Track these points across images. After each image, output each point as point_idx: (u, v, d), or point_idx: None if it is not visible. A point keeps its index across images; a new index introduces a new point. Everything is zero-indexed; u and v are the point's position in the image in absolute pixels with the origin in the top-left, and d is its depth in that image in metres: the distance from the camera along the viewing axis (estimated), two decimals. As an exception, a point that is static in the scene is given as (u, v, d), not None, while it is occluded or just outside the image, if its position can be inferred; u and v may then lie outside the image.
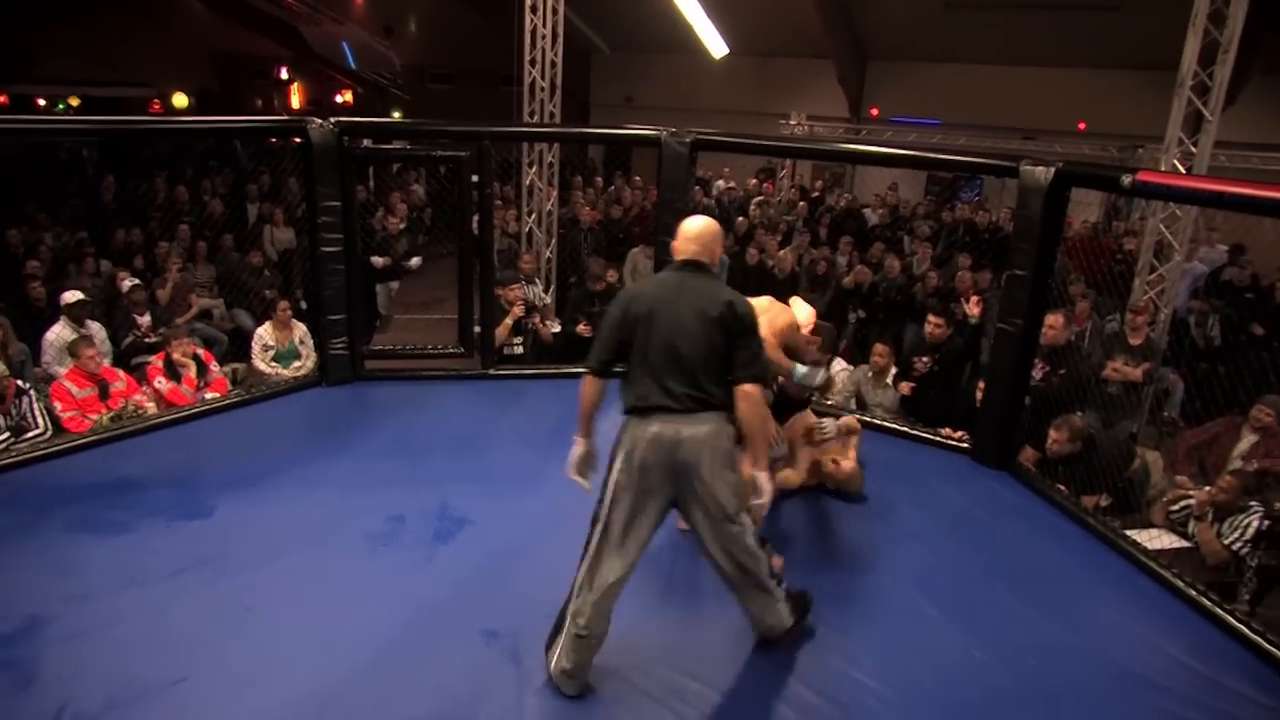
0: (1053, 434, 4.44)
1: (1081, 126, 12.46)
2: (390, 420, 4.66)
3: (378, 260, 7.63)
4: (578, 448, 2.81)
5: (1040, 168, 4.06)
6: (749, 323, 2.64)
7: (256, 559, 3.35)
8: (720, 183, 11.65)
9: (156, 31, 16.55)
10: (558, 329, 6.43)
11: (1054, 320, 5.10)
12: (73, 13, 15.27)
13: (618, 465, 2.65)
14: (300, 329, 6.05)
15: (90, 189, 9.99)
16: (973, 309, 5.71)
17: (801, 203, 11.03)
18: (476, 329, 5.31)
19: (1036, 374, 5.05)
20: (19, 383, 4.83)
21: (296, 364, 5.95)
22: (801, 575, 3.43)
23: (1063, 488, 4.29)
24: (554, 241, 8.20)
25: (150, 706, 2.58)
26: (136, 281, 6.65)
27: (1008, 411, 4.43)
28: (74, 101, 15.93)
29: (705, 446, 2.58)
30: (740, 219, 10.21)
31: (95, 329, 5.92)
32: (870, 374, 5.66)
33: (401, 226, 8.45)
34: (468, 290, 5.30)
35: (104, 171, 10.30)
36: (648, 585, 3.20)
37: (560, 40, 7.68)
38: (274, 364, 5.96)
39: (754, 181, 11.83)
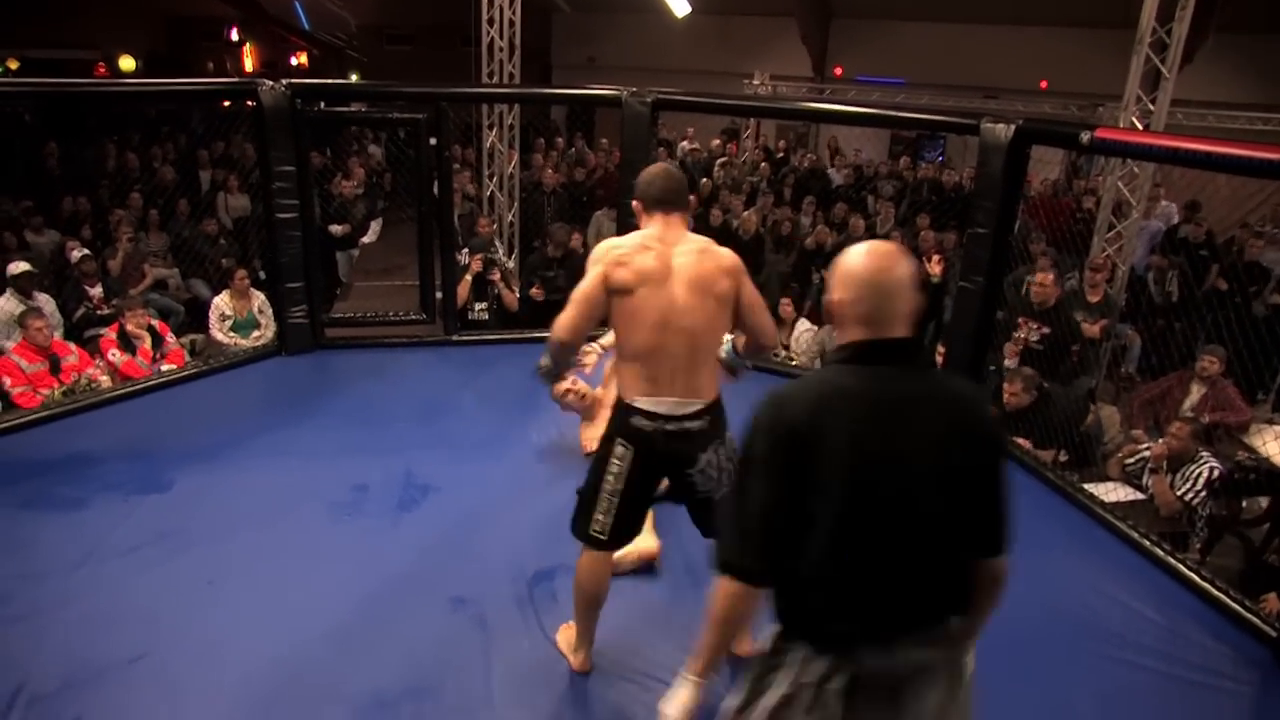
0: (1006, 387, 4.50)
1: (1043, 85, 12.50)
2: (352, 389, 4.59)
3: (336, 229, 7.50)
4: (689, 692, 1.72)
5: (1001, 125, 4.06)
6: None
7: (217, 532, 3.30)
8: (684, 144, 11.56)
9: (101, -9, 15.99)
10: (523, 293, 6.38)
11: (1044, 279, 5.15)
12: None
13: None
14: (259, 298, 5.94)
15: (33, 155, 9.67)
16: (934, 267, 5.74)
17: (764, 163, 10.99)
18: (438, 295, 5.24)
19: (1033, 336, 5.11)
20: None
21: (256, 334, 5.85)
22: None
23: (1022, 442, 4.36)
24: (516, 205, 8.10)
25: (109, 685, 2.54)
26: (86, 252, 6.48)
27: (970, 368, 4.47)
28: (13, 64, 15.38)
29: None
30: (704, 180, 10.16)
31: (44, 300, 5.77)
32: (834, 332, 5.69)
33: (359, 191, 8.30)
34: (428, 255, 5.22)
35: (47, 138, 9.98)
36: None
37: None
38: (232, 334, 5.85)
39: (717, 143, 11.75)
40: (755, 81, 11.34)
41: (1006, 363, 5.20)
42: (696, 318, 2.27)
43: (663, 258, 2.28)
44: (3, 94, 5.50)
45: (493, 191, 7.99)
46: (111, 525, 3.34)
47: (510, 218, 8.04)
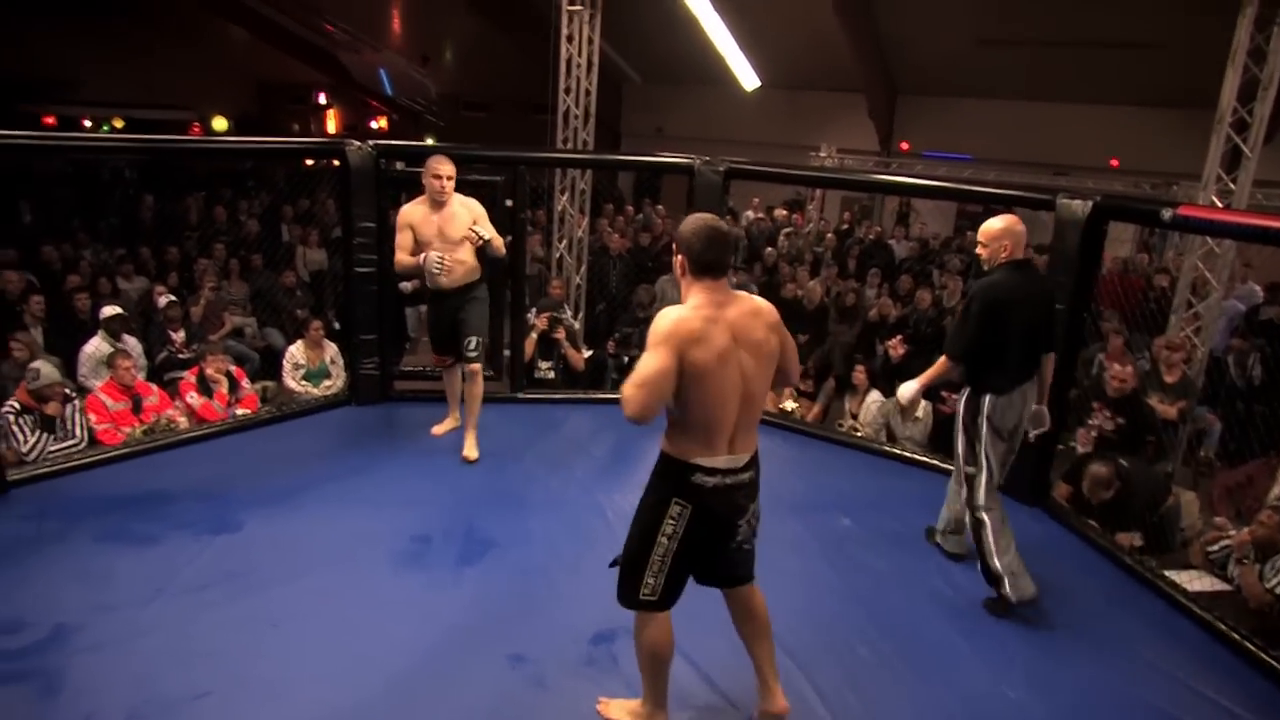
0: (1086, 486, 4.36)
1: (1114, 163, 12.39)
2: (418, 441, 4.67)
3: (406, 285, 7.70)
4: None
5: (1078, 201, 4.03)
6: None
7: (282, 575, 3.35)
8: (749, 213, 11.68)
9: (200, 57, 16.95)
10: (589, 353, 6.44)
11: (1122, 373, 5.04)
12: (119, 37, 15.70)
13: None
14: (331, 349, 6.10)
15: (130, 207, 10.19)
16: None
17: (830, 234, 11.03)
18: (505, 353, 5.32)
19: (1108, 425, 4.98)
20: (67, 390, 4.89)
21: (326, 383, 5.99)
22: (829, 604, 3.39)
23: (1095, 524, 4.21)
24: (583, 268, 8.23)
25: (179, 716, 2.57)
26: (172, 298, 6.74)
27: (1041, 447, 4.35)
28: (118, 123, 16.30)
29: None
30: (769, 249, 10.23)
31: (132, 343, 6.00)
32: (898, 407, 5.61)
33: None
34: (498, 315, 5.32)
35: (143, 191, 10.52)
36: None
37: (595, 69, 7.77)
38: (304, 382, 6.01)
39: (783, 213, 11.84)
40: (822, 154, 11.46)
41: (1078, 447, 5.07)
42: (758, 383, 2.35)
43: (727, 329, 2.28)
44: (110, 149, 5.80)
45: (562, 254, 8.14)
46: (183, 563, 3.41)
47: (578, 280, 8.17)
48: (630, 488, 4.23)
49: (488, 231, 4.24)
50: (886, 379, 7.06)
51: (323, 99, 19.02)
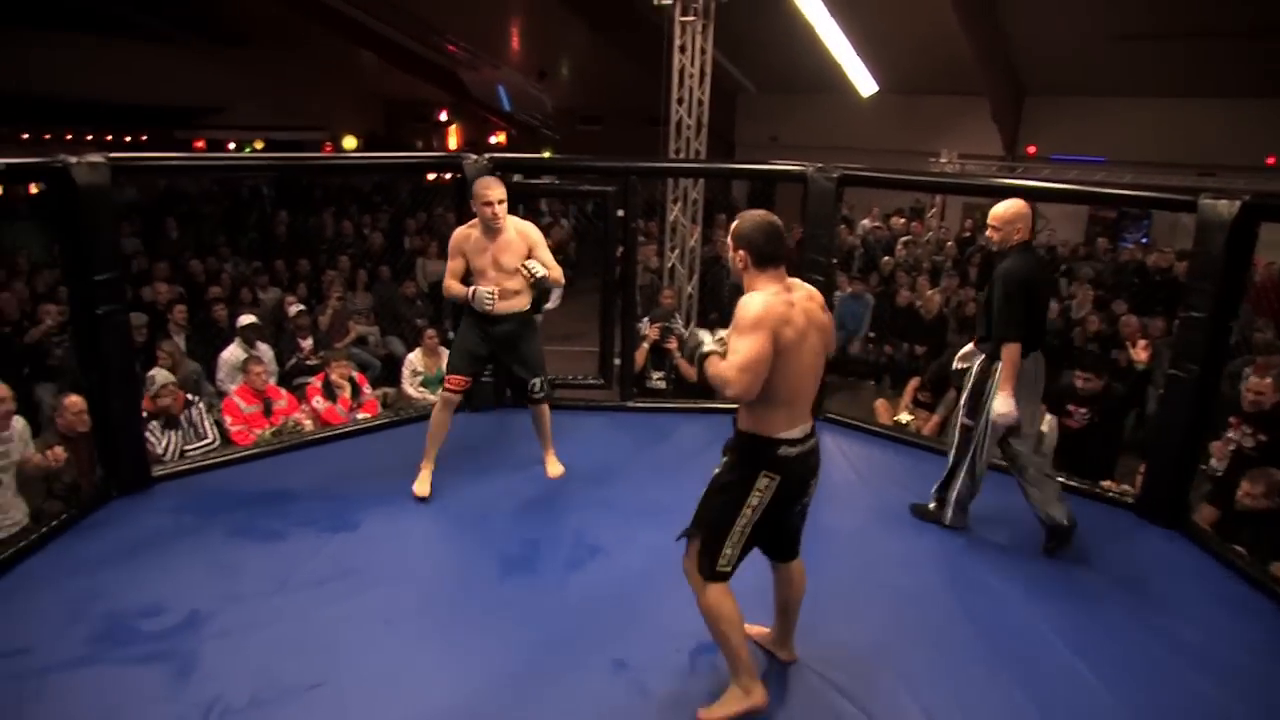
0: (1245, 486, 4.03)
1: (1270, 161, 11.48)
2: (530, 448, 4.72)
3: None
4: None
5: (1223, 201, 3.74)
6: None
7: (396, 574, 3.45)
8: (866, 221, 11.42)
9: (332, 80, 17.88)
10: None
11: (1260, 385, 4.68)
12: (260, 66, 16.74)
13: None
14: (448, 356, 6.28)
15: (266, 223, 10.81)
16: (1140, 354, 5.31)
17: (950, 243, 10.67)
18: (616, 362, 5.36)
19: (1247, 442, 4.64)
20: (187, 395, 5.22)
21: (443, 389, 6.17)
22: (942, 623, 3.25)
23: (1242, 550, 3.89)
24: (696, 278, 8.22)
25: (290, 707, 2.69)
26: (302, 307, 7.09)
27: (1180, 465, 4.07)
28: (259, 145, 17.35)
29: None
30: (886, 258, 9.97)
31: (264, 350, 6.34)
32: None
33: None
34: (609, 323, 5.36)
35: (279, 207, 11.15)
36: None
37: (708, 79, 7.78)
38: (422, 389, 6.21)
39: (902, 221, 11.53)
40: (942, 160, 11.11)
41: (1213, 463, 4.72)
42: (822, 358, 2.60)
43: (801, 311, 2.49)
44: (252, 167, 6.15)
45: (674, 264, 8.16)
46: (304, 558, 3.56)
47: (690, 289, 8.17)
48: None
49: (541, 268, 3.98)
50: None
51: (444, 116, 19.72)
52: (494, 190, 3.89)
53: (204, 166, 6.18)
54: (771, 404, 2.48)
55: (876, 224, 11.46)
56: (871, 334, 8.62)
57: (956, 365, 4.14)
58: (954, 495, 3.92)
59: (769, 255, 2.49)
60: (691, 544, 2.67)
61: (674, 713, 2.72)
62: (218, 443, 5.15)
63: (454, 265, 4.07)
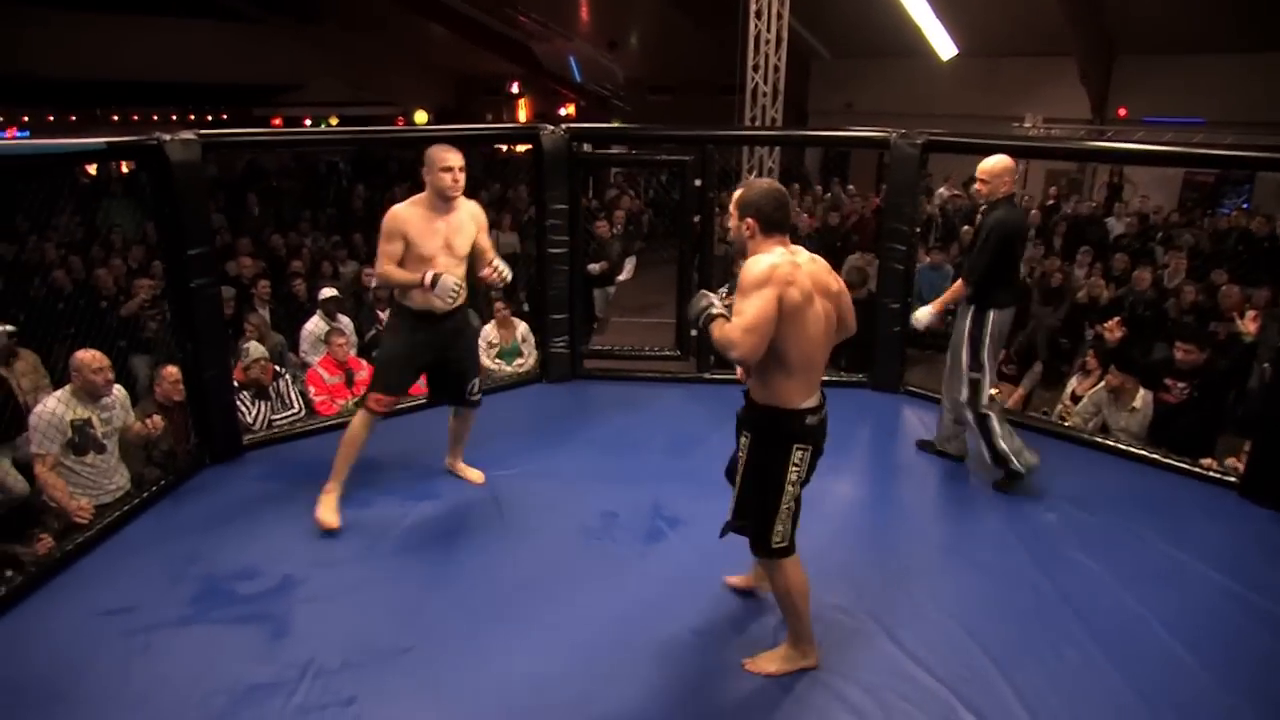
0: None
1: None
2: (607, 418, 4.75)
3: (594, 267, 7.87)
4: None
5: (1344, 162, 3.51)
6: None
7: (478, 543, 3.50)
8: (943, 190, 11.10)
9: (404, 56, 18.10)
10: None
11: None
12: (335, 44, 17.02)
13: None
14: (521, 327, 6.31)
15: (344, 198, 11.01)
16: (1248, 325, 5.04)
17: (1034, 210, 10.29)
18: (693, 333, 5.31)
19: None
20: (276, 367, 5.35)
21: (518, 361, 6.21)
22: (1031, 602, 3.15)
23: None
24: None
25: (380, 671, 2.75)
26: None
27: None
28: (333, 120, 17.68)
29: None
30: (965, 228, 9.68)
31: (345, 322, 6.46)
32: (1111, 396, 5.15)
33: (616, 231, 8.68)
34: (685, 294, 5.32)
35: (355, 182, 11.35)
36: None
37: (784, 44, 7.62)
38: (498, 360, 6.26)
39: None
40: (1026, 124, 10.71)
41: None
42: (833, 322, 2.55)
43: (807, 275, 2.45)
44: (337, 142, 6.24)
45: (746, 234, 8.05)
46: (390, 525, 3.63)
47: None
48: (818, 470, 4.17)
49: (506, 266, 3.64)
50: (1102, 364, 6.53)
51: (515, 89, 19.80)
52: (454, 156, 3.44)
53: (288, 141, 6.31)
54: (786, 373, 2.47)
55: (955, 192, 11.11)
56: (951, 306, 8.38)
57: (914, 327, 4.42)
58: (1006, 445, 3.97)
59: (776, 222, 2.49)
60: (744, 529, 2.63)
61: (753, 683, 2.71)
62: (303, 413, 5.27)
63: (392, 248, 3.43)
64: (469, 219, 3.58)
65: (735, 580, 3.18)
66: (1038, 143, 7.54)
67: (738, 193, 2.52)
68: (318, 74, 17.35)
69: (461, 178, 3.45)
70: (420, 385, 4.09)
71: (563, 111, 19.19)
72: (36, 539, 3.70)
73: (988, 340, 3.93)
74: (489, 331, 6.37)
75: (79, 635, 2.91)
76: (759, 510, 2.57)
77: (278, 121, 17.30)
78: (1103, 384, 5.23)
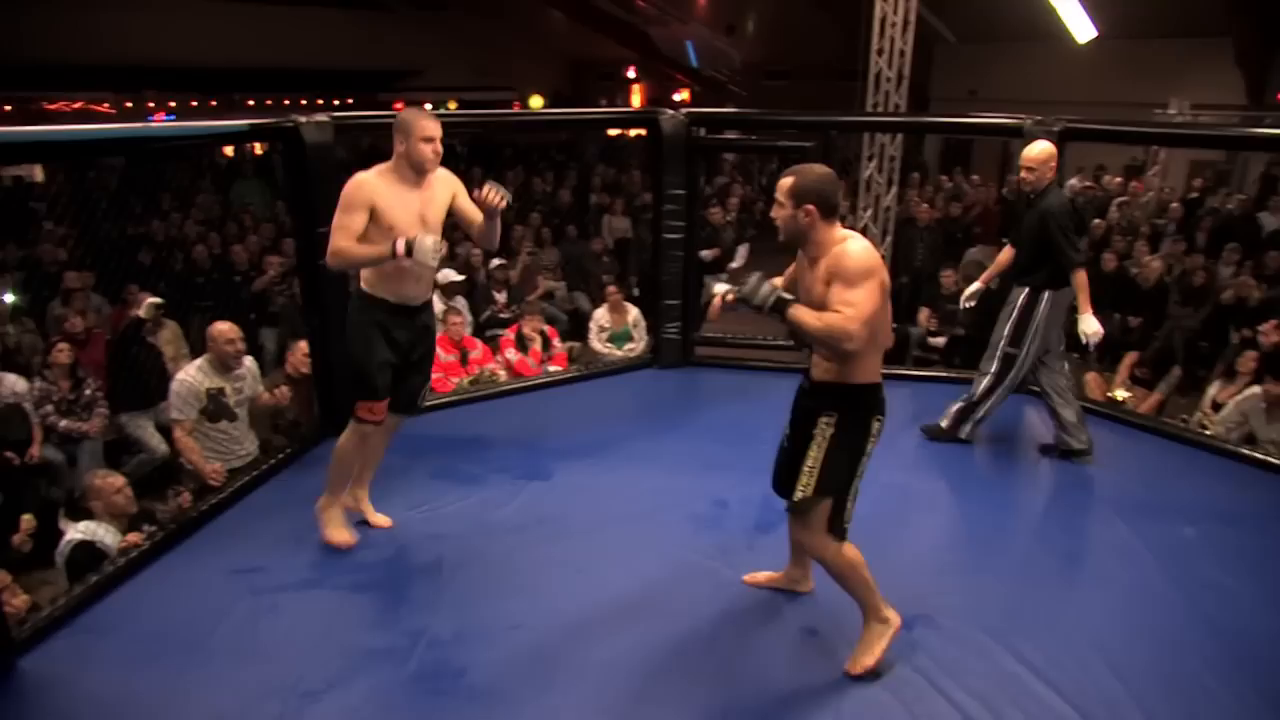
0: None
1: None
2: (718, 406, 4.70)
3: (706, 253, 7.81)
4: None
5: None
6: None
7: (589, 525, 3.52)
8: (1074, 181, 10.54)
9: (521, 41, 18.37)
10: (894, 326, 6.16)
11: None
12: (454, 29, 17.41)
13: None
14: (633, 312, 6.34)
15: (461, 180, 11.26)
16: None
17: (1175, 204, 9.68)
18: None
19: None
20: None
21: (629, 345, 6.24)
22: (1167, 623, 2.96)
23: None
24: (889, 239, 7.88)
25: (490, 645, 2.79)
26: (500, 262, 7.33)
27: None
28: (452, 105, 18.09)
29: None
30: (1097, 220, 9.19)
31: (461, 303, 6.62)
32: (1264, 404, 4.80)
33: (729, 218, 8.59)
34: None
35: (471, 165, 11.59)
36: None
37: (911, 28, 7.34)
38: (609, 344, 6.30)
39: (1117, 180, 10.58)
40: (1171, 111, 10.03)
41: None
42: None
43: None
44: (449, 125, 6.35)
45: (866, 224, 7.84)
46: (501, 503, 3.70)
47: (882, 250, 7.84)
48: (929, 469, 4.04)
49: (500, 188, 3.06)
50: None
51: (631, 74, 19.85)
52: (436, 125, 2.98)
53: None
54: (874, 351, 2.47)
55: (1088, 183, 10.56)
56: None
57: (965, 304, 4.51)
58: (981, 414, 4.20)
59: (835, 207, 2.46)
60: (817, 511, 2.57)
61: (862, 679, 2.64)
62: (420, 388, 5.44)
63: (352, 221, 2.93)
64: (443, 189, 3.16)
65: (760, 577, 3.11)
66: (1188, 131, 6.96)
67: (789, 180, 2.45)
68: (438, 59, 17.79)
69: (441, 150, 3.04)
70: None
71: (677, 97, 19.12)
72: (178, 494, 3.94)
73: (1038, 321, 4.01)
74: (601, 315, 6.42)
75: (212, 591, 3.06)
76: (842, 488, 2.56)
77: (399, 106, 17.79)
78: (1251, 391, 4.89)
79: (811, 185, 2.42)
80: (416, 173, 3.04)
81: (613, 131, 12.28)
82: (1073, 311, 4.06)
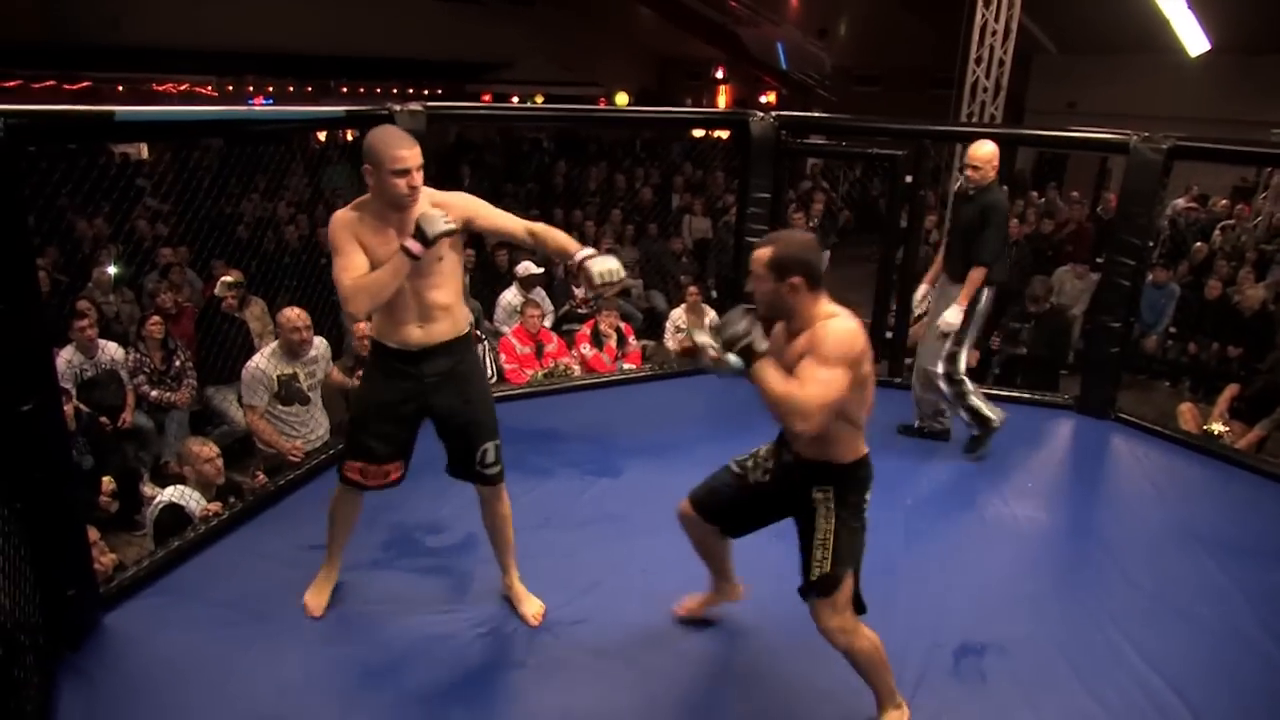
0: None
1: None
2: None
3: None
4: None
5: None
6: None
7: (655, 525, 3.45)
8: (1179, 201, 10.10)
9: (609, 37, 18.46)
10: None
11: None
12: (544, 23, 17.58)
13: None
14: (711, 314, 6.29)
15: (545, 174, 11.37)
16: None
17: (1286, 228, 9.20)
18: (888, 335, 5.09)
19: None
20: (477, 332, 5.58)
21: (704, 347, 6.19)
22: (1255, 671, 2.80)
23: None
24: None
25: (552, 640, 2.84)
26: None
27: None
28: (539, 98, 18.29)
29: None
30: (1199, 244, 8.79)
31: (540, 295, 6.67)
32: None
33: (811, 225, 8.48)
34: (885, 294, 5.09)
35: (556, 159, 11.69)
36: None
37: (1012, 37, 7.13)
38: (683, 345, 6.26)
39: (1224, 202, 10.10)
40: (1285, 132, 9.54)
41: None
42: None
43: None
44: (537, 118, 6.42)
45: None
46: (569, 498, 3.71)
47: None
48: (1013, 492, 3.90)
49: (613, 267, 2.65)
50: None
51: (719, 74, 19.77)
52: (409, 150, 2.46)
53: (502, 116, 6.56)
54: (855, 428, 2.36)
55: (1190, 204, 10.11)
56: (1173, 329, 7.65)
57: (916, 310, 4.61)
58: (978, 401, 4.22)
59: (820, 276, 2.29)
60: (844, 587, 2.40)
61: (931, 703, 2.59)
62: (495, 379, 5.49)
63: (354, 260, 2.49)
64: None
65: (691, 604, 2.95)
66: None
67: (768, 251, 2.25)
68: (526, 53, 17.99)
69: (419, 178, 2.50)
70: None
71: (763, 99, 18.97)
72: (253, 474, 4.05)
73: (978, 313, 4.15)
74: (677, 315, 6.40)
75: (286, 565, 3.14)
76: (855, 564, 2.43)
77: (487, 97, 18.09)
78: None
79: (796, 255, 2.24)
80: (395, 209, 2.53)
81: (698, 132, 12.22)
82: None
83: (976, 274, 4.04)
